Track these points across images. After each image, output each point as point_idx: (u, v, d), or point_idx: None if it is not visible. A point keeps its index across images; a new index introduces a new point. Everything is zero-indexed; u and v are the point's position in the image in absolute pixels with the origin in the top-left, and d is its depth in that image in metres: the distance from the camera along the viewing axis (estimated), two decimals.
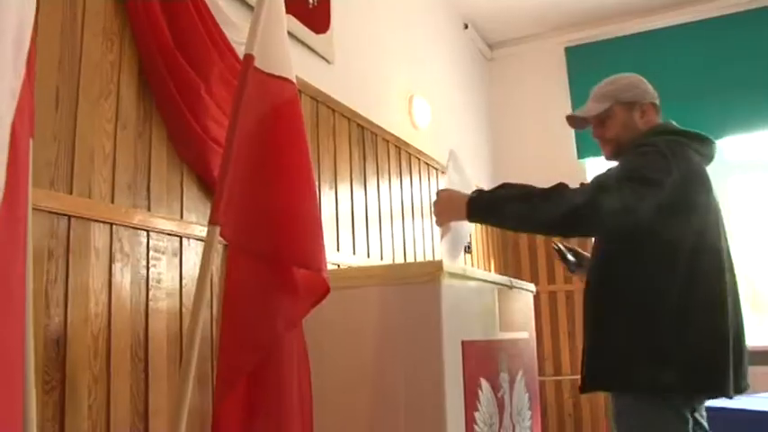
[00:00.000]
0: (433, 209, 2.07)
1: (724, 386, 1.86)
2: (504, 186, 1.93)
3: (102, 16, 1.90)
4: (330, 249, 2.86)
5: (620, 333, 1.88)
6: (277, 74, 1.60)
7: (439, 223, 2.09)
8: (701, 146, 2.04)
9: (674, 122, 2.12)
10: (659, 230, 1.85)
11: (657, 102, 2.17)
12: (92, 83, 1.84)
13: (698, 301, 1.86)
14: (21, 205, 1.09)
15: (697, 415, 1.93)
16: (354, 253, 3.08)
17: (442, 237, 2.16)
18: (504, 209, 1.88)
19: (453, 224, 2.09)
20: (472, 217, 1.94)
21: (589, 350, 1.99)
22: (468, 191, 2.01)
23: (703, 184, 1.97)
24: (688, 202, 1.89)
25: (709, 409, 2.61)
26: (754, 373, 4.63)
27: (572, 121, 2.25)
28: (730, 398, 1.88)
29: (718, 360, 1.86)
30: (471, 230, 2.28)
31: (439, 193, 2.07)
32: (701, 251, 1.90)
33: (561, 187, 1.84)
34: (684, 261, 1.86)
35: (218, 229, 1.39)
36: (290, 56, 1.68)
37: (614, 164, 2.00)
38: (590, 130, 2.21)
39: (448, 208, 2.01)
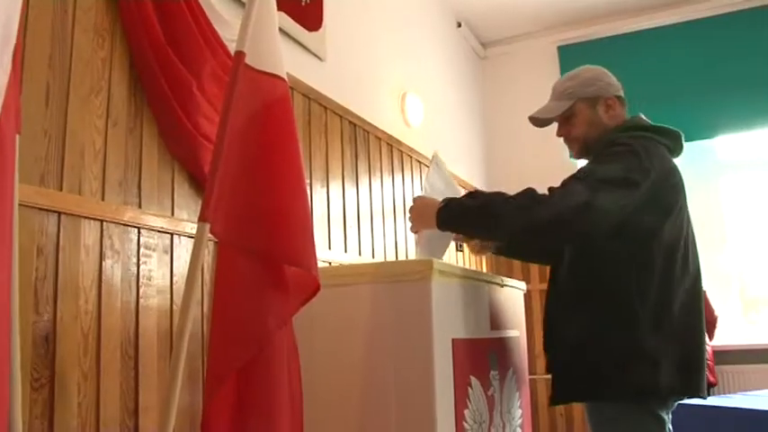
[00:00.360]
0: (408, 215, 2.03)
1: (702, 386, 1.84)
2: (473, 195, 1.88)
3: (94, 13, 1.90)
4: (322, 247, 2.86)
5: (599, 336, 1.81)
6: (268, 71, 1.59)
7: (413, 230, 2.05)
8: (671, 141, 1.97)
9: (643, 116, 2.05)
10: (635, 230, 1.80)
11: (622, 93, 2.09)
12: (82, 79, 1.84)
13: (675, 301, 1.83)
14: (6, 202, 1.08)
15: (667, 416, 1.87)
16: (346, 251, 3.08)
17: (417, 244, 2.14)
18: (472, 218, 1.83)
19: (428, 232, 2.06)
20: (442, 226, 1.89)
21: (566, 354, 1.91)
22: (450, 195, 1.99)
23: (677, 183, 1.92)
24: (664, 202, 1.85)
25: (698, 408, 2.62)
26: (745, 371, 4.67)
27: (535, 120, 2.16)
28: (704, 398, 1.87)
29: (698, 360, 1.85)
30: (450, 237, 2.21)
31: (414, 200, 2.02)
32: (676, 250, 1.86)
33: (532, 192, 1.77)
34: (661, 260, 1.82)
35: (207, 226, 1.39)
36: (281, 53, 1.67)
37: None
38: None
39: (421, 216, 1.96)
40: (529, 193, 1.78)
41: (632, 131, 1.96)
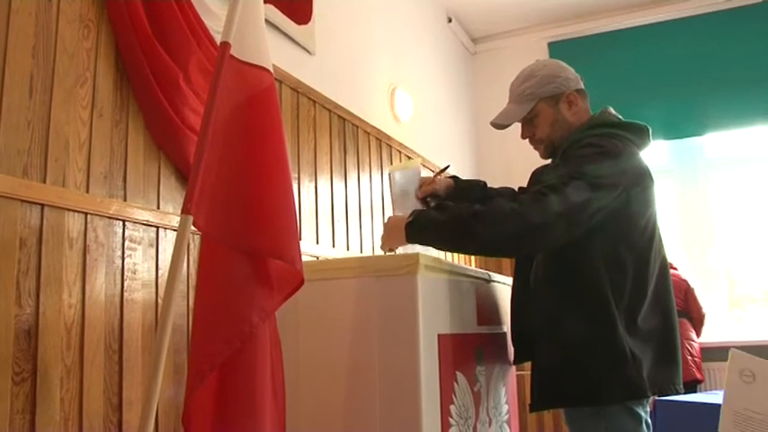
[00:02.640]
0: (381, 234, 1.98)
1: (677, 380, 1.84)
2: (441, 208, 1.82)
3: (79, 2, 1.87)
4: (310, 242, 2.85)
5: (586, 337, 1.77)
6: (254, 62, 1.58)
7: (382, 248, 1.99)
8: (638, 137, 1.94)
9: (611, 110, 2.00)
10: (608, 232, 1.77)
11: (582, 86, 2.04)
12: (67, 70, 1.81)
13: (648, 298, 1.82)
14: None
15: (643, 411, 1.85)
16: (334, 246, 3.07)
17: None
18: (442, 233, 1.80)
19: (402, 249, 2.02)
20: (410, 240, 1.85)
21: (554, 356, 1.84)
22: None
23: (648, 182, 1.88)
24: (635, 204, 1.81)
25: (685, 404, 2.63)
26: None
27: (497, 125, 2.11)
28: (680, 392, 1.87)
29: (672, 355, 1.84)
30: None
31: (388, 219, 1.98)
32: (648, 249, 1.84)
33: (502, 203, 1.73)
34: (633, 260, 1.80)
35: (190, 219, 1.37)
36: (267, 45, 1.66)
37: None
38: None
39: (390, 232, 1.93)
40: (499, 204, 1.74)
41: (600, 129, 1.92)
